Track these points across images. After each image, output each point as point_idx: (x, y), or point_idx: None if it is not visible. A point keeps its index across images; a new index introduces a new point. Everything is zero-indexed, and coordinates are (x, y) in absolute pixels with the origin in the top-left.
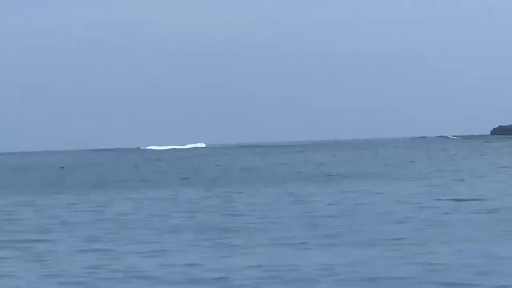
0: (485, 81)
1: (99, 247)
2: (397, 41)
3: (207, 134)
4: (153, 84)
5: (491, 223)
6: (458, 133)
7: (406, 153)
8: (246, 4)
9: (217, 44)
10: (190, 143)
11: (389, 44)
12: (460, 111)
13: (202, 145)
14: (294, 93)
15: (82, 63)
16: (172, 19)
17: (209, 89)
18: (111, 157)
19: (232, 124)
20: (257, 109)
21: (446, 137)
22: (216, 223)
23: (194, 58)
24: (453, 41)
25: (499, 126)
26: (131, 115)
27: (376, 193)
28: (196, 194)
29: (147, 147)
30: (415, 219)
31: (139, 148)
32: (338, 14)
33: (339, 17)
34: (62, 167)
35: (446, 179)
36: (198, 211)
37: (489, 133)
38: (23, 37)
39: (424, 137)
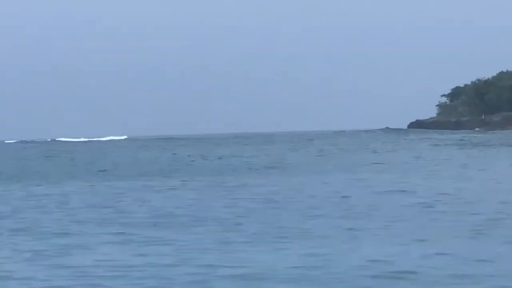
0: (404, 77)
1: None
2: (320, 32)
3: (129, 127)
4: (77, 76)
5: (422, 217)
6: (376, 126)
7: (325, 146)
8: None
9: (137, 36)
10: (111, 136)
11: (312, 36)
12: (378, 106)
13: (124, 137)
14: (218, 87)
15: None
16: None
17: (133, 82)
18: (28, 149)
19: (155, 116)
20: (180, 102)
21: (364, 131)
22: (137, 218)
23: (115, 51)
24: (370, 37)
25: (416, 120)
26: (47, 106)
27: (301, 183)
28: (113, 187)
29: (63, 139)
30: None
31: (54, 139)
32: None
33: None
34: None
35: (369, 172)
36: (115, 205)
37: (406, 127)
38: None
39: (343, 131)
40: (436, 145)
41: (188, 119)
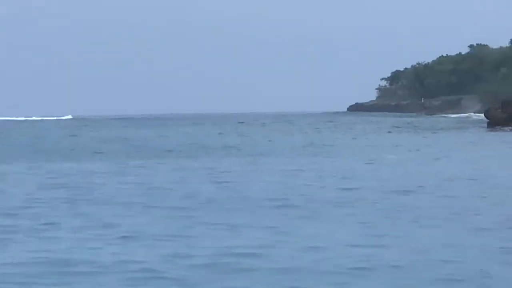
0: (343, 60)
1: None
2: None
3: (76, 106)
4: (28, 56)
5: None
6: (316, 110)
7: (261, 129)
8: None
9: (90, 16)
10: (55, 115)
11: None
12: (317, 89)
13: (69, 116)
14: (166, 66)
15: None
16: None
17: (82, 61)
18: None
19: (102, 96)
20: (131, 81)
21: (308, 113)
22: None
23: (65, 29)
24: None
25: (356, 103)
26: None
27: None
28: (56, 168)
29: (1, 118)
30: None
31: None
32: None
33: None
34: None
35: (306, 156)
36: (62, 186)
37: (346, 109)
38: None
39: (280, 113)
40: (377, 127)
41: (132, 99)
